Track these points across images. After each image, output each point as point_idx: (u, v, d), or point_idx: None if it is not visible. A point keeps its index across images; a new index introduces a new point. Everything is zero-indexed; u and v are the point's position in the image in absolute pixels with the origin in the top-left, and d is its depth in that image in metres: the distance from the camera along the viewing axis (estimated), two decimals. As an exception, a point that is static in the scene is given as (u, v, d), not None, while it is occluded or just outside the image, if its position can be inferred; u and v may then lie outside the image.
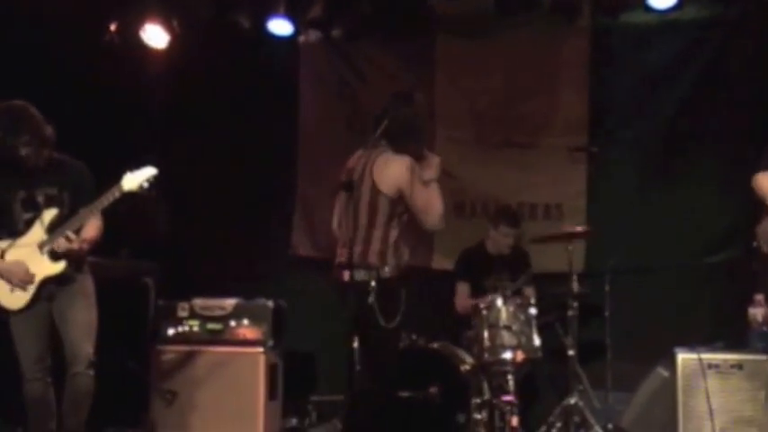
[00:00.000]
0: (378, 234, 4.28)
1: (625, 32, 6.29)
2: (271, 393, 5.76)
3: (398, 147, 4.36)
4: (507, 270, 5.79)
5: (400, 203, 4.31)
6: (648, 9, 6.09)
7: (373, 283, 4.21)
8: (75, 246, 4.58)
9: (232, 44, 6.62)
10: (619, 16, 6.23)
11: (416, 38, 6.56)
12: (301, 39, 6.75)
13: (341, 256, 4.35)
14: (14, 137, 4.54)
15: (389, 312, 4.21)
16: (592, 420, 5.14)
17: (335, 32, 6.67)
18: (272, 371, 5.79)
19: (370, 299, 4.18)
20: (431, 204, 4.34)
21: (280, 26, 6.46)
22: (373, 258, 4.25)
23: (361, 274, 4.22)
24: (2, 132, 4.54)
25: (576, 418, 5.14)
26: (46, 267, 4.61)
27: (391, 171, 4.29)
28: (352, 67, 6.75)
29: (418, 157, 4.39)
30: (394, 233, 4.32)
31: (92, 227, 4.70)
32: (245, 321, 5.81)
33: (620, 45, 6.31)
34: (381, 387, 4.32)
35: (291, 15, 6.44)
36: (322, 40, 6.73)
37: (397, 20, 6.48)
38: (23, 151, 4.56)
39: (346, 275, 4.25)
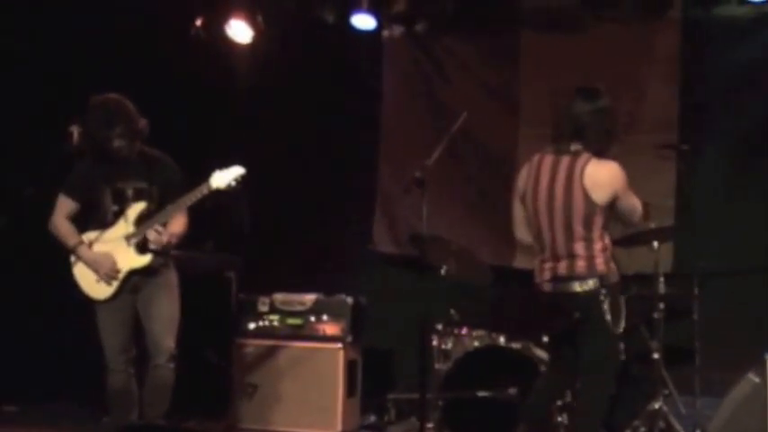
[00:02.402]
0: (598, 246, 4.19)
1: (719, 25, 6.09)
2: (350, 389, 5.80)
3: (600, 149, 4.20)
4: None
5: (611, 208, 4.23)
6: (744, 1, 5.92)
7: (604, 291, 4.16)
8: (164, 239, 4.67)
9: (316, 39, 6.64)
10: (712, 8, 6.07)
11: (500, 33, 6.49)
12: (385, 33, 6.75)
13: (557, 269, 4.23)
14: (108, 129, 4.61)
15: (615, 317, 4.19)
16: (677, 426, 5.03)
17: (419, 27, 6.66)
18: (351, 367, 5.83)
19: (605, 306, 4.14)
20: (636, 203, 4.31)
21: (363, 21, 6.45)
22: (602, 267, 4.19)
23: (588, 284, 4.16)
24: (96, 124, 4.63)
25: (662, 424, 5.04)
26: (132, 260, 4.71)
27: (606, 179, 4.15)
28: (434, 62, 6.69)
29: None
30: (607, 239, 4.26)
31: (178, 222, 4.77)
32: (325, 317, 5.86)
33: (714, 39, 6.11)
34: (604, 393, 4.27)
35: (375, 10, 6.42)
36: (405, 34, 6.71)
37: (481, 15, 6.43)
38: (116, 143, 4.63)
39: (560, 287, 4.22)
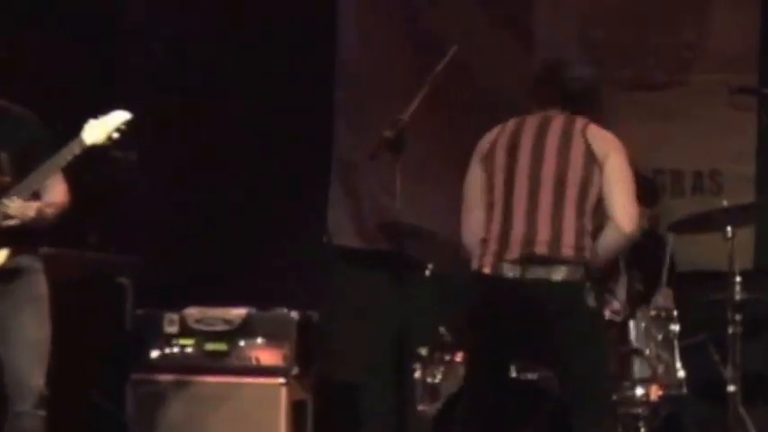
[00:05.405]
0: (589, 224, 4.40)
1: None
2: (296, 440, 5.31)
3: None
4: (636, 266, 5.45)
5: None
6: None
7: (589, 284, 4.34)
8: (27, 211, 4.49)
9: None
10: None
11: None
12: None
13: (532, 248, 4.32)
14: None
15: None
16: (760, 481, 4.75)
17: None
18: (297, 409, 5.77)
19: (589, 303, 4.35)
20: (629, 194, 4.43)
21: None
22: (587, 252, 4.28)
23: (561, 273, 4.32)
24: None
25: (739, 480, 4.64)
26: None
27: (611, 137, 4.46)
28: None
29: None
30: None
31: (55, 190, 4.63)
32: (260, 340, 5.78)
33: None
34: None
35: None
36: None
37: None
38: None
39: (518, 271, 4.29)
